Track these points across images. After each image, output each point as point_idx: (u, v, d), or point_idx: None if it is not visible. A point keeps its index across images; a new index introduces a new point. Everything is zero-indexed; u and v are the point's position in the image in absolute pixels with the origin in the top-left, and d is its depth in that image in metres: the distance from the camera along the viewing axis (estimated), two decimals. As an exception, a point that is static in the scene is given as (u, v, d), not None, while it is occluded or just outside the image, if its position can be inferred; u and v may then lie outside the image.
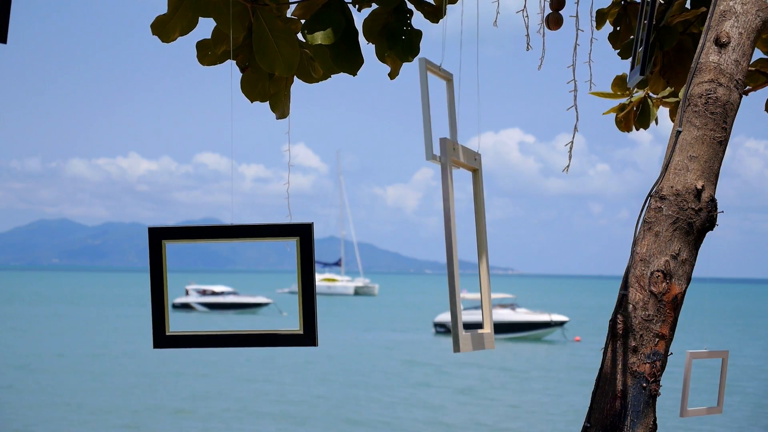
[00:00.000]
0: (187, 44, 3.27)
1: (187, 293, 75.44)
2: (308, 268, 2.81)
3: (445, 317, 53.67)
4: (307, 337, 2.82)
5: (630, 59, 3.44)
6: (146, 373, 33.93)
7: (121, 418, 24.78)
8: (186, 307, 73.16)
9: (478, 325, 3.08)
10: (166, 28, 3.07)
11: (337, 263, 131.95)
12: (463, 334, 2.82)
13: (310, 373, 34.67)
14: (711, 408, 3.62)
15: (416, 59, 2.88)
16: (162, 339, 2.81)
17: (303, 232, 2.81)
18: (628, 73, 3.81)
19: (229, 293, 75.03)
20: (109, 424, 24.05)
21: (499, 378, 35.02)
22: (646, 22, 3.44)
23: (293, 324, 2.88)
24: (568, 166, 3.44)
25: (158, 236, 2.79)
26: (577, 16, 3.44)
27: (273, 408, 27.18)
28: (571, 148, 3.40)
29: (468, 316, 45.29)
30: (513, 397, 30.29)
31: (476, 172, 3.10)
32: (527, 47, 3.45)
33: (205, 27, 3.22)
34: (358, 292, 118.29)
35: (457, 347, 2.78)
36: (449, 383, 33.23)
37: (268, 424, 24.77)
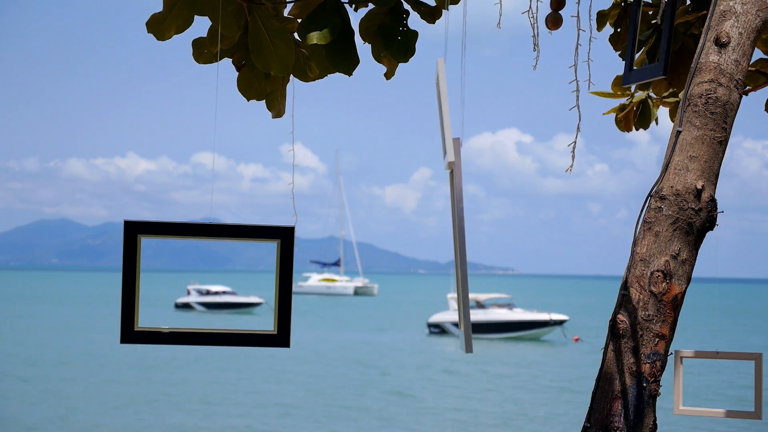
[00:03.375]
0: (185, 43, 3.24)
1: (188, 293, 75.60)
2: (287, 271, 2.81)
3: (439, 318, 53.69)
4: (281, 338, 2.82)
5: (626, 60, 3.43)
6: (142, 372, 33.95)
7: (110, 417, 24.79)
8: (187, 306, 73.30)
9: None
10: (161, 27, 3.06)
11: (336, 263, 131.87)
12: (471, 335, 2.82)
13: (287, 375, 34.54)
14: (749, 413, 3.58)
15: (435, 59, 2.87)
16: (130, 334, 2.76)
17: (284, 235, 2.80)
18: (624, 74, 3.79)
19: (224, 293, 75.11)
20: (98, 422, 24.07)
21: (498, 377, 35.01)
22: (655, 22, 3.43)
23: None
24: (571, 166, 3.43)
25: (134, 230, 2.75)
26: (578, 16, 3.44)
27: (240, 405, 27.23)
28: (574, 148, 3.39)
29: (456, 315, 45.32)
30: (511, 396, 30.28)
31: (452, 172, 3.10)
32: (534, 48, 3.44)
33: (201, 25, 3.21)
34: (357, 292, 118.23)
35: (470, 348, 2.78)
36: (446, 384, 33.18)
37: (237, 421, 24.83)
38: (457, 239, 2.76)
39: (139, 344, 2.77)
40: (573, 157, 3.42)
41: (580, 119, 3.32)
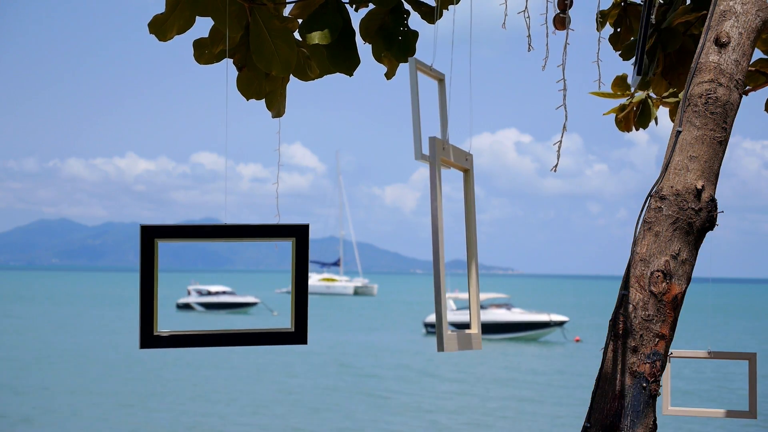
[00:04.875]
0: (184, 44, 3.27)
1: (188, 293, 75.83)
2: (302, 269, 2.82)
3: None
4: (298, 335, 2.83)
5: (632, 60, 3.43)
6: (139, 373, 33.92)
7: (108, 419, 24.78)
8: (187, 307, 73.51)
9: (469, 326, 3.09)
10: (163, 27, 3.07)
11: (336, 263, 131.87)
12: (448, 333, 2.83)
13: (268, 375, 34.37)
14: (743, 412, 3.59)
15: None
16: (149, 339, 2.74)
17: (299, 233, 2.81)
18: (630, 75, 3.80)
19: (223, 293, 75.29)
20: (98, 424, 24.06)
21: (497, 378, 34.99)
22: (647, 22, 3.43)
23: (283, 322, 2.89)
24: (556, 165, 3.42)
25: (151, 235, 2.73)
26: (567, 16, 3.44)
27: (239, 403, 27.20)
28: (559, 148, 3.38)
29: (461, 316, 45.24)
30: (510, 396, 30.27)
31: (467, 173, 3.09)
32: (529, 48, 3.44)
33: (203, 26, 3.22)
34: (357, 292, 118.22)
35: (441, 347, 2.80)
36: (445, 384, 33.09)
37: (232, 419, 24.80)
38: (433, 239, 2.78)
39: (159, 348, 2.75)
40: (558, 155, 3.41)
41: (566, 118, 3.31)
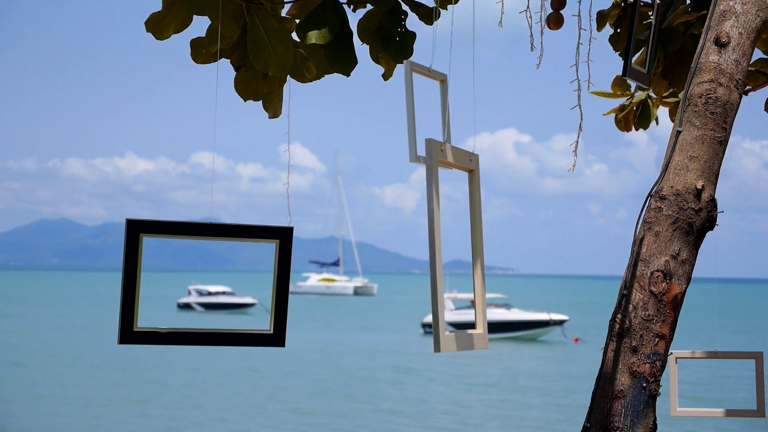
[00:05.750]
0: (183, 44, 3.26)
1: (189, 293, 76.07)
2: (284, 271, 2.83)
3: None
4: (276, 337, 2.84)
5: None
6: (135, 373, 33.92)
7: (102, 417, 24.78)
8: (188, 306, 73.73)
9: (473, 325, 3.09)
10: (160, 26, 3.07)
11: (336, 263, 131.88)
12: (445, 334, 2.83)
13: (251, 375, 34.28)
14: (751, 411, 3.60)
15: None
16: (129, 335, 2.74)
17: (283, 236, 2.82)
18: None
19: (223, 293, 75.49)
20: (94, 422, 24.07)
21: (496, 378, 34.97)
22: (651, 22, 3.43)
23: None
24: (573, 165, 3.42)
25: (136, 229, 2.73)
26: (579, 15, 3.43)
27: (227, 405, 27.22)
28: (576, 148, 3.38)
29: (464, 316, 45.28)
30: (509, 397, 30.25)
31: (472, 173, 3.08)
32: (531, 47, 3.44)
33: (200, 25, 3.22)
34: (357, 292, 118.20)
35: (437, 347, 2.79)
36: (439, 385, 33.01)
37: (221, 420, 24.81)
38: (429, 239, 2.78)
39: (137, 344, 2.76)
40: (575, 155, 3.41)
41: (582, 119, 3.31)
